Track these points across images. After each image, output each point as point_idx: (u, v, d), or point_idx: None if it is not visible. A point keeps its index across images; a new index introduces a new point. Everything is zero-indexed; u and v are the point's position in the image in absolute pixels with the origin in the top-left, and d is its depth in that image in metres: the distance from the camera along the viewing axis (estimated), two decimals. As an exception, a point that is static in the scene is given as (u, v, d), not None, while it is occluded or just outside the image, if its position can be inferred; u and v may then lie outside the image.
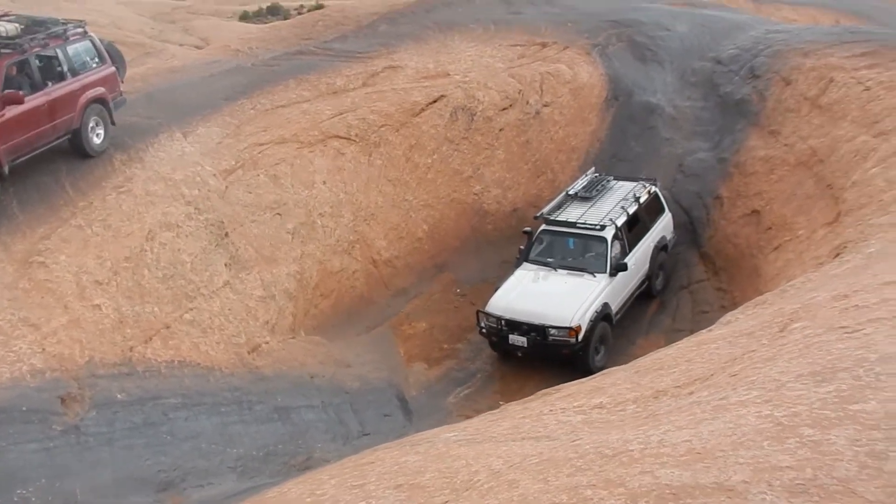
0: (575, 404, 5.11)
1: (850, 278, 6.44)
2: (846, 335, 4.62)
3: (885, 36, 14.82)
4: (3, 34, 10.19)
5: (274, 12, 49.01)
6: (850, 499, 2.74)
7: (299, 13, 44.00)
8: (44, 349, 8.55)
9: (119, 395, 8.67)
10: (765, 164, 13.35)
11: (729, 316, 7.68)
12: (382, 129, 14.98)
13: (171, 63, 19.44)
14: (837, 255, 8.47)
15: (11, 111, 9.88)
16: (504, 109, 16.19)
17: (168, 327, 9.50)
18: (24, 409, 8.04)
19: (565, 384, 6.51)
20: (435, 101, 15.84)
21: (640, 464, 3.30)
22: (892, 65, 12.74)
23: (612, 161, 15.61)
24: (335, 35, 18.67)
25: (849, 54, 13.64)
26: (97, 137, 11.42)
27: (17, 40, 10.24)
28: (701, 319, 12.46)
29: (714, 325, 7.49)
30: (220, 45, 21.11)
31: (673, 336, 12.13)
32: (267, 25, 29.13)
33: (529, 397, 7.02)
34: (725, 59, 16.20)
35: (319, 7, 41.75)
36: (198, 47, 39.08)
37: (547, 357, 11.29)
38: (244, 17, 48.50)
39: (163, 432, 8.65)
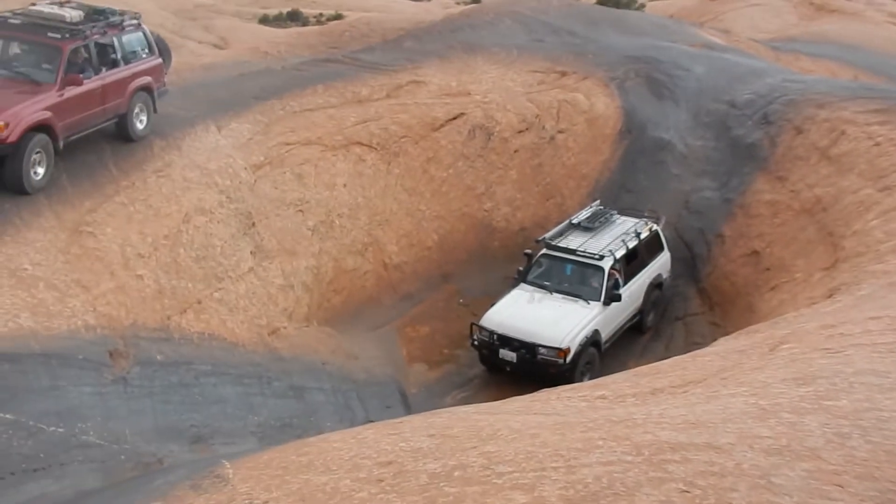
0: (579, 394, 5.71)
1: (839, 314, 7.05)
2: (829, 354, 5.22)
3: (898, 94, 15.48)
4: (69, 20, 10.88)
5: (294, 18, 49.87)
6: (816, 462, 3.34)
7: (318, 21, 44.92)
8: (95, 308, 9.29)
9: (158, 357, 9.44)
10: (769, 207, 13.92)
11: (721, 340, 8.27)
12: (403, 139, 15.62)
13: (203, 60, 20.16)
14: (831, 295, 9.06)
15: (71, 91, 10.55)
16: (520, 132, 16.83)
17: (200, 302, 10.23)
18: (80, 357, 8.83)
19: (569, 384, 7.08)
20: (455, 118, 16.48)
21: (642, 427, 3.90)
22: (904, 123, 13.39)
23: (620, 191, 16.18)
24: (361, 46, 19.32)
25: (862, 109, 14.24)
26: (140, 123, 12.06)
27: (80, 26, 10.94)
28: (693, 349, 13.01)
29: (707, 347, 8.08)
30: (249, 47, 21.82)
31: (665, 363, 12.75)
32: (294, 31, 29.86)
33: (533, 394, 7.56)
34: (740, 103, 16.81)
35: (339, 17, 42.69)
36: (217, 46, 39.87)
37: (533, 374, 11.68)
38: (264, 20, 49.35)
39: (195, 393, 9.43)
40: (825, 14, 42.97)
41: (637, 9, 39.31)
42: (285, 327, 11.26)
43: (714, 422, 3.84)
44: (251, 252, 11.55)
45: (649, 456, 3.58)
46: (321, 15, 49.93)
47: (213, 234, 11.13)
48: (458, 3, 51.76)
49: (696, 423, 3.85)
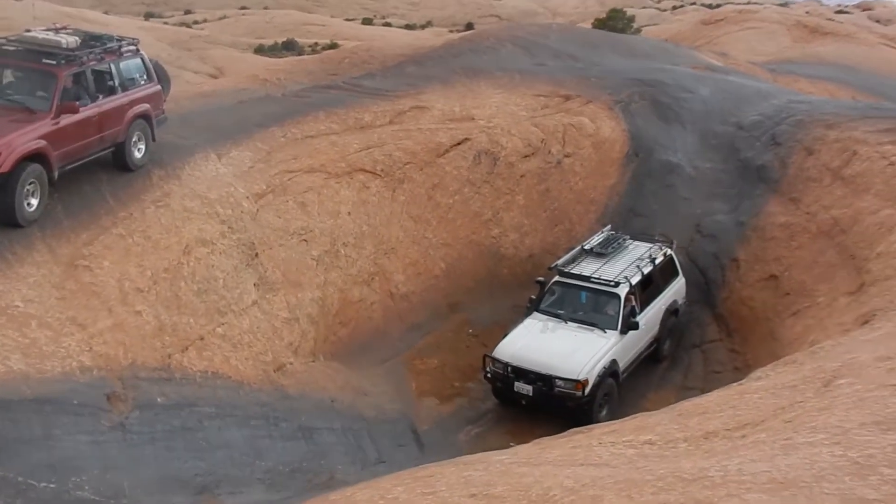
0: (623, 439, 5.24)
1: (887, 343, 6.62)
2: (899, 392, 4.77)
3: (907, 114, 15.27)
4: (65, 46, 10.50)
5: (289, 47, 50.05)
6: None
7: (314, 50, 45.01)
8: (91, 348, 8.76)
9: (159, 399, 8.87)
10: (784, 230, 13.62)
11: (759, 372, 7.81)
12: (407, 166, 15.27)
13: (202, 88, 19.85)
14: (865, 322, 8.65)
15: (66, 119, 10.13)
16: (526, 157, 16.53)
17: (202, 339, 9.69)
18: (75, 402, 8.27)
19: (603, 423, 6.60)
20: (459, 144, 16.18)
21: (724, 488, 3.43)
22: (916, 142, 13.13)
23: (629, 216, 15.87)
24: (362, 72, 19.09)
25: (872, 129, 14.05)
26: (138, 152, 11.65)
27: (76, 52, 10.56)
28: (713, 379, 12.59)
29: (745, 380, 7.62)
30: (248, 75, 21.53)
31: (684, 393, 12.25)
32: (293, 59, 29.70)
33: (562, 434, 7.08)
34: (747, 125, 16.62)
35: (334, 46, 42.75)
36: (213, 76, 39.83)
37: (550, 408, 11.31)
38: (259, 50, 49.47)
39: (199, 438, 8.84)
40: (819, 36, 43.32)
41: (633, 33, 39.40)
42: (291, 363, 10.73)
43: (805, 480, 3.38)
44: (254, 284, 11.06)
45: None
46: (316, 44, 50.10)
47: (215, 265, 10.64)
48: (450, 32, 51.97)
49: (785, 482, 3.39)
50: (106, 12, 60.71)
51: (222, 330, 10.03)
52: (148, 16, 68.11)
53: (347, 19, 72.68)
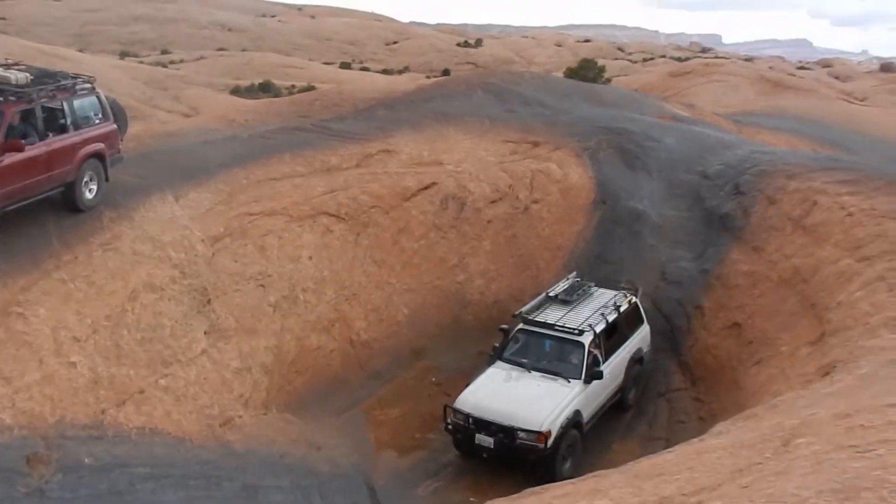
0: (576, 504, 4.95)
1: (847, 398, 6.44)
2: (858, 454, 4.58)
3: (864, 166, 15.47)
4: (14, 82, 10.21)
5: (266, 89, 50.16)
6: None
7: (290, 92, 45.12)
8: (14, 404, 8.18)
9: (86, 460, 8.26)
10: (748, 278, 13.58)
11: (720, 427, 7.61)
12: (372, 210, 15.08)
13: (167, 127, 19.60)
14: (826, 373, 8.51)
15: (10, 158, 9.78)
16: (494, 202, 16.45)
17: (142, 392, 9.16)
18: None
19: (558, 483, 6.30)
20: (426, 188, 16.05)
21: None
22: (873, 194, 13.22)
23: (596, 262, 15.78)
24: (332, 115, 19.01)
25: (832, 180, 14.17)
26: (90, 192, 11.30)
27: (25, 89, 10.26)
28: (678, 429, 12.39)
29: (706, 435, 7.39)
30: (216, 115, 21.37)
31: (649, 444, 12.03)
32: (265, 101, 29.64)
33: (516, 495, 6.78)
34: (711, 174, 16.73)
35: (311, 88, 42.90)
36: (186, 115, 39.66)
37: (512, 461, 10.99)
38: (236, 91, 49.52)
39: (127, 502, 8.17)
40: (781, 90, 44.50)
41: (604, 83, 40.03)
42: (240, 416, 10.22)
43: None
44: (205, 332, 10.61)
45: None
46: (293, 87, 50.26)
47: (163, 312, 10.19)
48: (427, 78, 52.48)
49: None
50: (81, 50, 60.62)
51: (165, 381, 9.52)
52: (123, 55, 68.08)
53: (326, 63, 73.31)
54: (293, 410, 11.51)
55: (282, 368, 11.79)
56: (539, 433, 10.75)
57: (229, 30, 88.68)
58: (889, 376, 7.50)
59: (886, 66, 77.95)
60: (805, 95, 43.05)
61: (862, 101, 46.86)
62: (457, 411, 11.33)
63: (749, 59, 76.30)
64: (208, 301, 11.07)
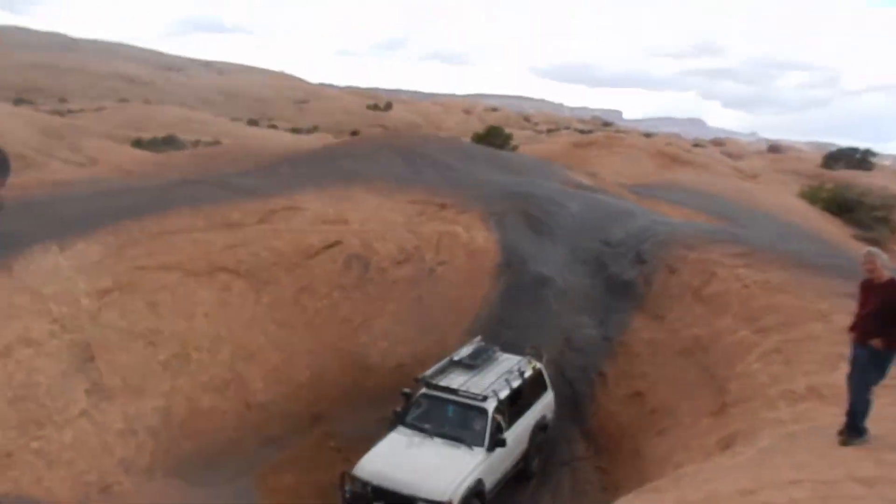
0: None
1: (749, 472, 6.45)
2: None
3: (755, 239, 16.17)
4: None
5: (169, 142, 48.93)
6: None
7: (195, 146, 44.15)
8: None
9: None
10: (649, 346, 13.76)
11: (622, 501, 7.48)
12: (274, 267, 14.61)
13: (56, 176, 18.59)
14: (727, 446, 8.57)
15: None
16: (399, 263, 16.25)
17: (10, 456, 8.29)
18: None
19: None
20: (331, 246, 15.72)
21: None
22: (765, 267, 13.77)
23: (500, 327, 15.68)
24: (235, 170, 18.54)
25: (728, 252, 14.70)
26: (-38, 240, 10.44)
27: None
28: (581, 500, 12.25)
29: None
30: (112, 166, 20.49)
31: (552, 515, 11.81)
32: (164, 154, 28.78)
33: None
34: (614, 242, 17.10)
35: (217, 143, 42.13)
36: (83, 166, 38.04)
37: None
38: (138, 144, 48.07)
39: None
40: (678, 164, 46.78)
41: (510, 150, 41.06)
42: (121, 483, 9.42)
43: None
44: (86, 391, 9.82)
45: None
46: (199, 141, 49.24)
47: (39, 369, 9.39)
48: (335, 138, 52.51)
49: None
50: (-29, 95, 57.77)
51: (37, 444, 8.69)
52: (18, 102, 65.31)
53: (233, 119, 72.50)
54: (181, 476, 10.73)
55: (170, 431, 11.03)
56: (440, 503, 10.38)
57: (132, 81, 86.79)
58: (788, 450, 7.59)
59: (774, 147, 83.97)
60: (700, 171, 45.36)
61: (753, 178, 49.76)
62: (355, 479, 10.84)
63: (648, 135, 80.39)
64: (91, 358, 10.29)
